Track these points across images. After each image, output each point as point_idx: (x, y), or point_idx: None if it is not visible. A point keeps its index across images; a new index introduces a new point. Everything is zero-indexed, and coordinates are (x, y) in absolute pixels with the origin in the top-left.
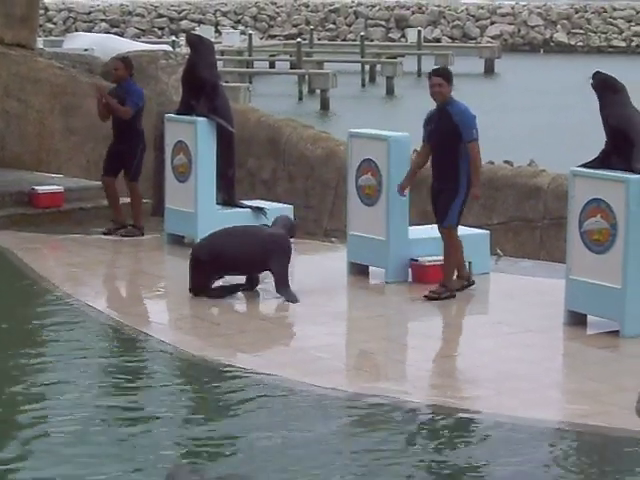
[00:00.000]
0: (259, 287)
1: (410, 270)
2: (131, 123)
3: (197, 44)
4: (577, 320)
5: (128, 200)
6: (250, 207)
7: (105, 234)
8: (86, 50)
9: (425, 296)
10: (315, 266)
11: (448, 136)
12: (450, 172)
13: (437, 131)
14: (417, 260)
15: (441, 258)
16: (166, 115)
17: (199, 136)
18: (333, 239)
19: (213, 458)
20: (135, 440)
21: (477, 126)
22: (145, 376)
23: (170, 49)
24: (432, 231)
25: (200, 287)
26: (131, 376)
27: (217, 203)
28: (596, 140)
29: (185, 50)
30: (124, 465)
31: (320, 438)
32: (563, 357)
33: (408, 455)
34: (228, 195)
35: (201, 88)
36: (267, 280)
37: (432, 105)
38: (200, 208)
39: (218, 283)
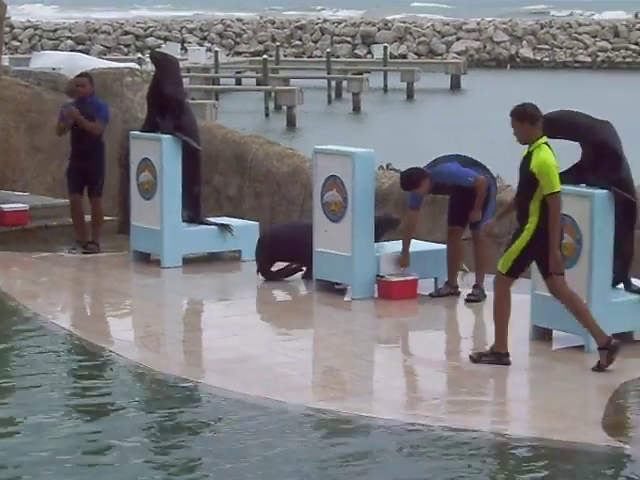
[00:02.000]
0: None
1: (376, 286)
2: (97, 139)
3: (161, 61)
4: (543, 335)
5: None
6: (216, 224)
7: (70, 252)
8: (53, 69)
9: (466, 300)
10: (281, 282)
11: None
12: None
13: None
14: (383, 276)
15: (407, 276)
16: (131, 132)
17: (164, 153)
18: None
19: None
20: (102, 464)
21: (467, 170)
22: (109, 395)
23: (137, 66)
24: (398, 246)
25: (263, 269)
26: (94, 394)
27: (183, 220)
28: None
29: (151, 67)
30: None
31: (288, 455)
32: (528, 372)
33: (374, 472)
34: (194, 212)
35: (166, 105)
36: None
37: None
38: (166, 225)
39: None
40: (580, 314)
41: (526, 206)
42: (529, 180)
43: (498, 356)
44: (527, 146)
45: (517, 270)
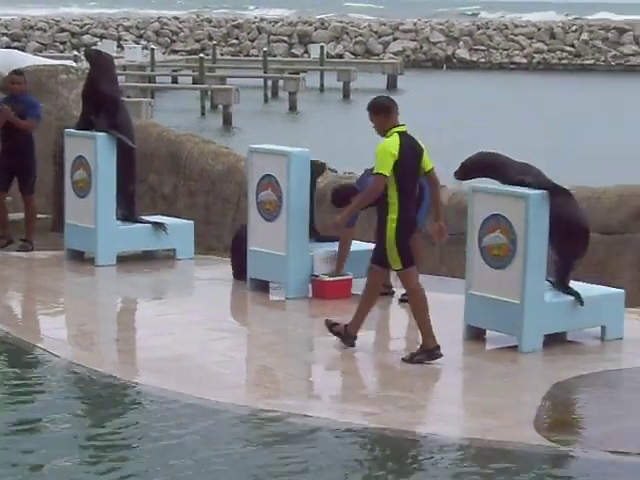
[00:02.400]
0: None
1: (310, 286)
2: (28, 136)
3: (96, 59)
4: (476, 335)
5: (22, 215)
6: (150, 222)
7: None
8: None
9: (400, 300)
10: (215, 282)
11: None
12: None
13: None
14: (317, 276)
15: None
16: (66, 130)
17: (99, 151)
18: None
19: None
20: (29, 463)
21: None
22: (40, 393)
23: (73, 64)
24: (333, 246)
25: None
26: (25, 392)
27: (117, 218)
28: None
29: (86, 65)
30: None
31: (223, 455)
32: (462, 372)
33: (311, 472)
34: (128, 210)
35: (101, 103)
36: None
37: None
38: (100, 224)
39: None
40: (418, 312)
41: (386, 196)
42: None
43: (429, 352)
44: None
45: (410, 258)
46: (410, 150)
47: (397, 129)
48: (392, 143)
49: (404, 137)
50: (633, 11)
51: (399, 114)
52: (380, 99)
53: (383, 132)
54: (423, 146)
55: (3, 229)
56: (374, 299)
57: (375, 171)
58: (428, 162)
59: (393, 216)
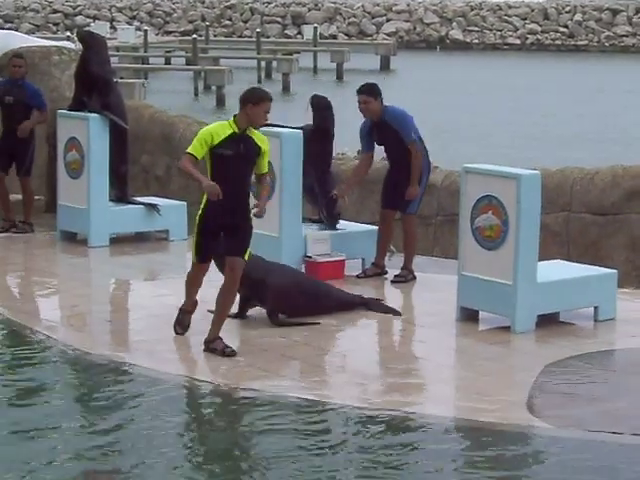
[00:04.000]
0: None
1: (303, 267)
2: (28, 119)
3: (89, 40)
4: (469, 316)
5: (19, 197)
6: (143, 204)
7: None
8: None
9: (392, 281)
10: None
11: (395, 143)
12: (407, 167)
13: (384, 141)
14: (310, 257)
15: (333, 257)
16: (58, 111)
17: (91, 132)
18: None
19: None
20: (28, 444)
21: (416, 127)
22: (32, 373)
23: (71, 45)
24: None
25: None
26: (19, 374)
27: (110, 200)
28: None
29: (78, 46)
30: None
31: (221, 439)
32: (455, 353)
33: (306, 453)
34: (121, 192)
35: (94, 84)
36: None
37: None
38: (93, 205)
39: None
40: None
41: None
42: None
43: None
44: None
45: None
46: None
47: None
48: None
49: None
50: None
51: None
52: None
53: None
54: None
55: (7, 212)
56: None
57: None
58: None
59: None
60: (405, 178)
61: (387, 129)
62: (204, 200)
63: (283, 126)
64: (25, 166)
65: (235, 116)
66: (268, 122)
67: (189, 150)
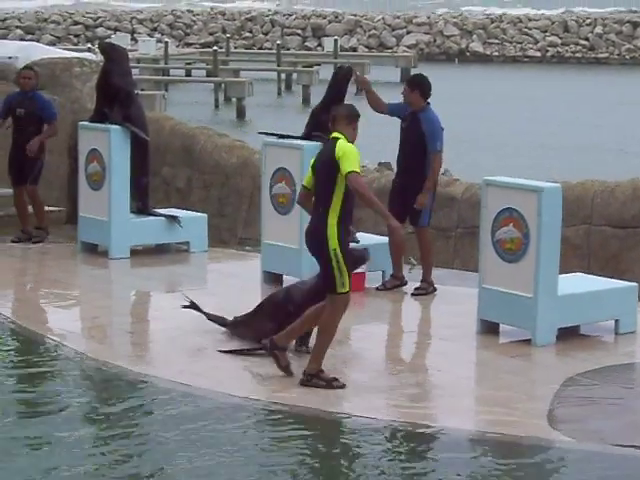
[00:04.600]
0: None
1: None
2: (40, 131)
3: (110, 52)
4: (490, 329)
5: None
6: (164, 215)
7: (14, 242)
8: (10, 58)
9: (412, 294)
10: (229, 275)
11: (417, 142)
12: (416, 177)
13: (406, 138)
14: None
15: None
16: (80, 123)
17: (113, 144)
18: (247, 247)
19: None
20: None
21: (442, 139)
22: (52, 385)
23: (93, 57)
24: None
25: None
26: (37, 382)
27: (131, 211)
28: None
29: (100, 58)
30: None
31: (237, 450)
32: (475, 366)
33: (317, 464)
34: (142, 203)
35: (115, 96)
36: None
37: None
38: (114, 216)
39: None
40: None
41: None
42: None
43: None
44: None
45: None
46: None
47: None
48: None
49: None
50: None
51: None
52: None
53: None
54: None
55: (24, 225)
56: None
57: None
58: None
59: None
60: (413, 188)
61: (416, 127)
62: (337, 226)
63: (292, 136)
64: (33, 175)
65: (342, 134)
66: (275, 132)
67: (359, 170)
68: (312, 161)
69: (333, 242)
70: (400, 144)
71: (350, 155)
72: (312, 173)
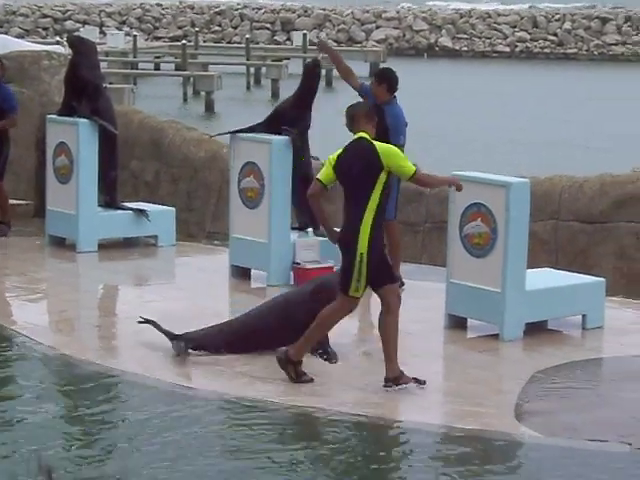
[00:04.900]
0: None
1: (292, 273)
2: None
3: (78, 45)
4: (457, 324)
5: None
6: (132, 209)
7: None
8: None
9: None
10: (197, 269)
11: (379, 135)
12: None
13: None
14: (299, 263)
15: (322, 263)
16: (48, 116)
17: (81, 138)
18: (216, 242)
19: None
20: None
21: (406, 133)
22: (19, 378)
23: (61, 50)
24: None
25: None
26: (3, 377)
27: (99, 205)
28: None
29: (68, 51)
30: None
31: (198, 436)
32: (444, 360)
33: (290, 459)
34: (110, 197)
35: (83, 89)
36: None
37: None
38: (82, 210)
39: None
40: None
41: None
42: None
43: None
44: None
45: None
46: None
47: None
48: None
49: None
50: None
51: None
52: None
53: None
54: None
55: (3, 215)
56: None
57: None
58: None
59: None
60: None
61: (380, 120)
62: (372, 227)
63: (243, 130)
64: None
65: (365, 132)
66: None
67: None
68: (333, 158)
69: (363, 245)
70: None
71: (399, 155)
72: (333, 171)
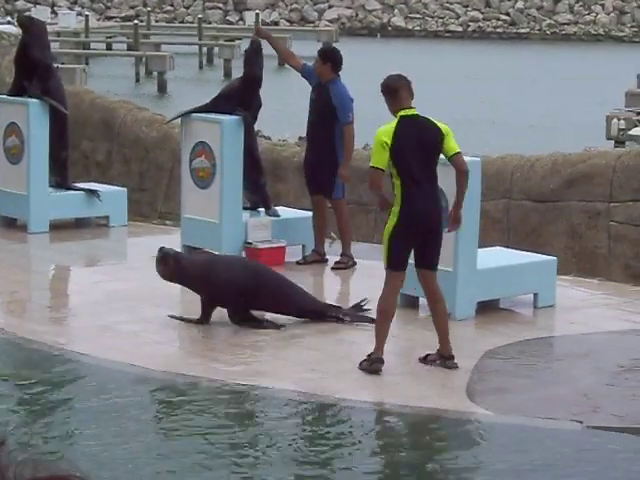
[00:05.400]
0: None
1: (244, 253)
2: None
3: (29, 25)
4: (410, 303)
5: None
6: (83, 190)
7: None
8: None
9: (332, 267)
10: (149, 249)
11: (326, 113)
12: (327, 149)
13: (317, 104)
14: (251, 243)
15: (274, 243)
16: None
17: (31, 118)
18: (167, 222)
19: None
20: None
21: (353, 109)
22: None
23: (12, 30)
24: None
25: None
26: None
27: (50, 185)
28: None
29: (19, 31)
30: None
31: (147, 419)
32: (395, 339)
33: (240, 434)
34: (61, 177)
35: (34, 69)
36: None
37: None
38: (32, 191)
39: None
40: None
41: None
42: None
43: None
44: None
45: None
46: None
47: (400, 113)
48: (382, 131)
49: (404, 121)
50: None
51: (411, 94)
52: (388, 79)
53: (393, 114)
54: (443, 129)
55: None
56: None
57: (370, 164)
58: (450, 147)
59: (395, 209)
60: (324, 161)
61: (326, 99)
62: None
63: (195, 110)
64: None
65: (411, 108)
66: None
67: (372, 164)
68: (385, 140)
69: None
70: (309, 115)
71: (451, 134)
72: (389, 153)
